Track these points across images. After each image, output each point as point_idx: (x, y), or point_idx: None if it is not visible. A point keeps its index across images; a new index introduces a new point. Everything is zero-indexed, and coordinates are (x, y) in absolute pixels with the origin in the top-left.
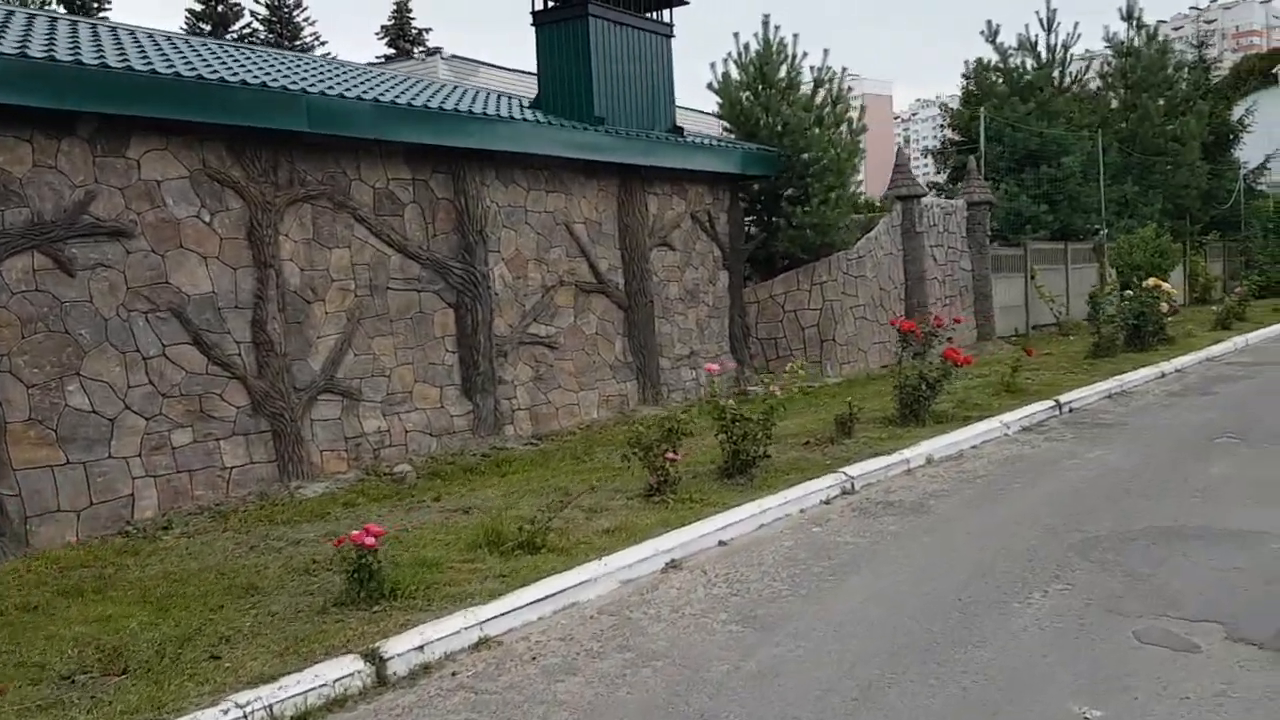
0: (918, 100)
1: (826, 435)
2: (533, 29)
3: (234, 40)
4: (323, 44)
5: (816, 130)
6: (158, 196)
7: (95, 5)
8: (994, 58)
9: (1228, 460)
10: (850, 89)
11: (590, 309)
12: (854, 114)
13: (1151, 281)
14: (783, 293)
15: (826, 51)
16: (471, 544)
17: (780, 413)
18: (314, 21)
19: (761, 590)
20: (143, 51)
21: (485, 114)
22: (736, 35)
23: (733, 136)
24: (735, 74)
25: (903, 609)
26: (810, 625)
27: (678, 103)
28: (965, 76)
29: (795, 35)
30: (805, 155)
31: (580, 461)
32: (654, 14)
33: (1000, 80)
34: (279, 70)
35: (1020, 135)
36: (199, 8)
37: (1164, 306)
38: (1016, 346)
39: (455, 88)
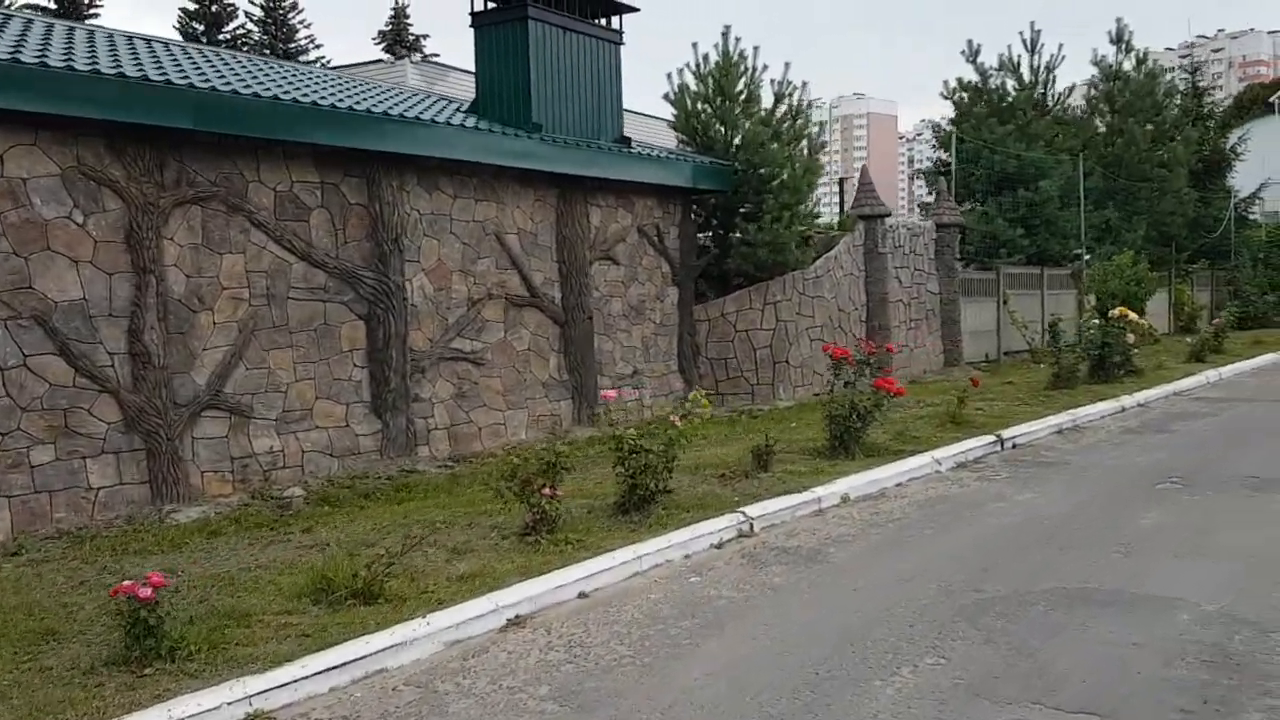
0: (922, 120)
1: (744, 468)
2: (471, 31)
3: (225, 43)
4: (318, 47)
5: (775, 145)
6: (22, 195)
7: (86, 3)
8: (975, 78)
9: (1165, 507)
10: (811, 103)
11: (522, 324)
12: (814, 129)
13: (1118, 311)
14: (734, 311)
15: (788, 65)
16: (299, 591)
17: (683, 444)
18: (309, 24)
19: (602, 657)
20: (69, 50)
21: (403, 116)
22: (695, 45)
23: (689, 150)
24: (693, 84)
25: (749, 686)
26: (635, 706)
27: (648, 114)
28: (944, 96)
29: (756, 47)
30: (762, 170)
31: (486, 488)
32: (602, 20)
33: (979, 101)
34: (214, 71)
35: (998, 158)
36: (193, 7)
37: (1130, 337)
38: (985, 373)
39: (391, 90)
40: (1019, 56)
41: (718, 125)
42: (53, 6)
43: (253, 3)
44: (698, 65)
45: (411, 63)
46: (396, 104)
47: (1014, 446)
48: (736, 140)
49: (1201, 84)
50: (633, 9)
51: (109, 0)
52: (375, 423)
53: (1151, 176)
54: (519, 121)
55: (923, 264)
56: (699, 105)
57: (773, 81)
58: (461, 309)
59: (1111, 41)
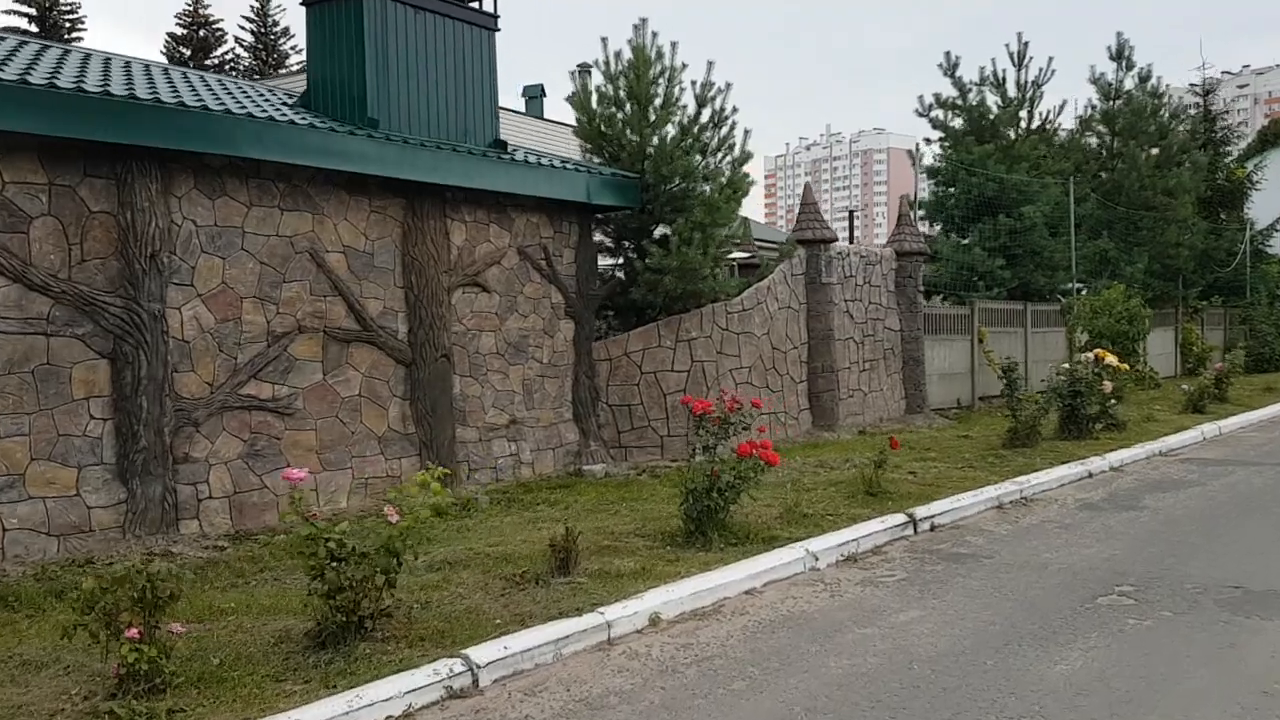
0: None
1: (549, 566)
2: (303, 8)
3: (213, 68)
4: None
5: (697, 157)
6: None
7: (69, 25)
8: (953, 92)
9: (1095, 643)
10: (736, 108)
11: (350, 363)
12: (738, 139)
13: (1095, 353)
14: (640, 350)
15: (711, 64)
16: None
17: (413, 546)
18: (300, 50)
19: None
20: None
21: (158, 102)
22: (605, 40)
23: (598, 162)
24: (603, 85)
25: None
26: None
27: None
28: (919, 114)
29: (674, 43)
30: (674, 185)
31: (239, 582)
32: (470, 1)
33: (955, 117)
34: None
35: (975, 180)
36: (180, 32)
37: (1107, 385)
38: (953, 421)
39: (171, 70)
40: (1003, 70)
41: (628, 133)
42: (33, 29)
43: (242, 28)
44: (608, 63)
45: None
46: (200, 94)
47: (931, 529)
48: (649, 150)
49: (1214, 108)
50: None
51: (92, 23)
52: (119, 491)
53: (1155, 204)
54: (353, 117)
55: (880, 296)
56: (609, 109)
57: (694, 83)
58: (258, 345)
59: (1111, 58)
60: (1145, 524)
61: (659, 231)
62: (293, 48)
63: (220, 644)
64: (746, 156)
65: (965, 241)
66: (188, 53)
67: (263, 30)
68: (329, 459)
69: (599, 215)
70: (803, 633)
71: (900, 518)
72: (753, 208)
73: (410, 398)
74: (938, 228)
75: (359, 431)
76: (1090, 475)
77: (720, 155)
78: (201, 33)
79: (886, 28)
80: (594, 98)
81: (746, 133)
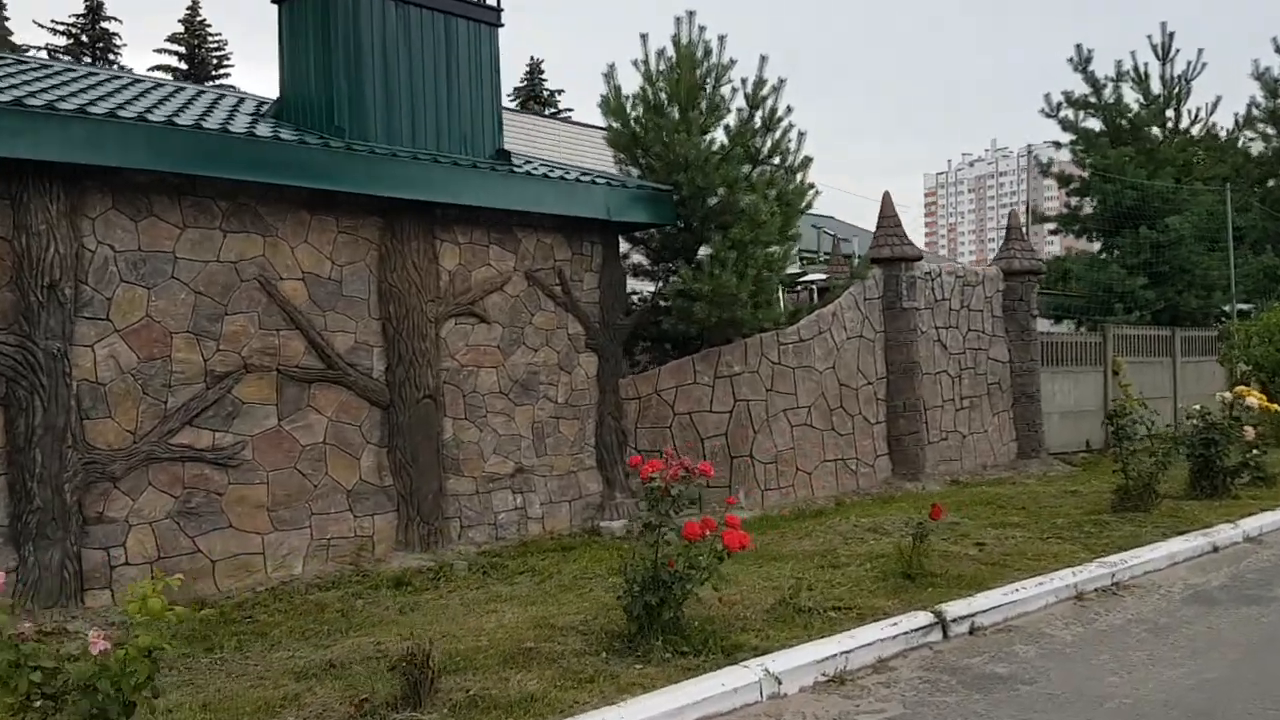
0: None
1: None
2: (274, 7)
3: None
4: None
5: (745, 167)
6: None
7: (214, 63)
8: (1086, 89)
9: None
10: (791, 108)
11: (313, 406)
12: (792, 143)
13: (1238, 391)
14: (672, 387)
15: (764, 59)
16: None
17: (145, 684)
18: None
19: None
20: None
21: (51, 108)
22: (645, 37)
23: (636, 173)
24: (642, 87)
25: None
26: None
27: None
28: (1045, 114)
29: (722, 38)
30: (712, 198)
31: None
32: None
33: (1089, 116)
34: None
35: (1111, 187)
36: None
37: (1249, 430)
38: (1079, 468)
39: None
40: (1145, 64)
41: (668, 139)
42: (183, 67)
43: None
44: (646, 62)
45: None
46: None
47: (971, 631)
48: (690, 158)
49: None
50: None
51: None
52: (8, 557)
53: None
54: (322, 125)
55: (982, 323)
56: (648, 114)
57: (744, 82)
58: (194, 387)
59: (1277, 50)
60: (1270, 628)
61: (705, 251)
62: None
63: None
64: (804, 164)
65: (1102, 257)
66: None
67: None
68: (283, 517)
69: (636, 234)
70: None
71: (924, 617)
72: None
73: (388, 445)
74: (1071, 242)
75: (323, 484)
76: (1215, 549)
77: (775, 162)
78: None
79: (1050, 29)
80: (630, 102)
81: (802, 135)
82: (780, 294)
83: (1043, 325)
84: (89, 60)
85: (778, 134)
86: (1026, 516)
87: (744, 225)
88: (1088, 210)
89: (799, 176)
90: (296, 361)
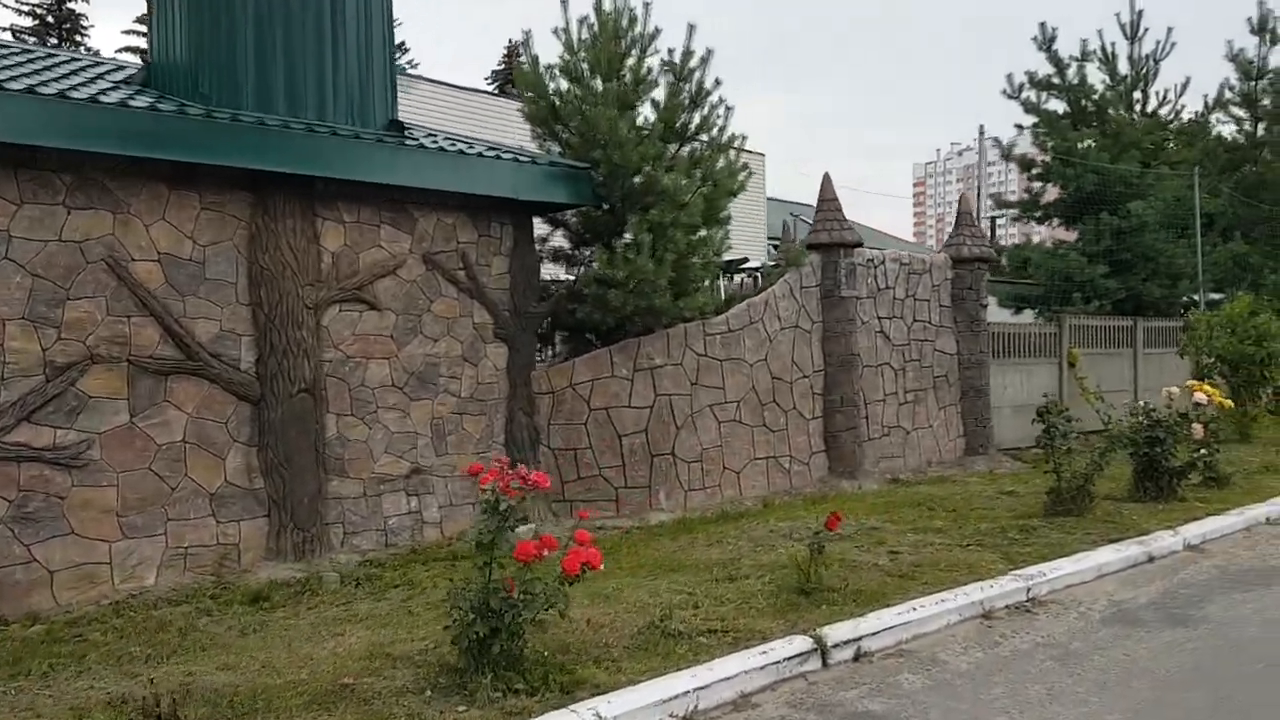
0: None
1: None
2: None
3: None
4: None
5: (675, 146)
6: None
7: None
8: (1049, 69)
9: None
10: (719, 81)
11: (171, 401)
12: (720, 118)
13: (1189, 385)
14: (587, 381)
15: (692, 27)
16: None
17: None
18: (417, 65)
19: None
20: None
21: None
22: (564, 1)
23: (558, 150)
24: (564, 58)
25: None
26: None
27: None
28: (1007, 95)
29: (647, 4)
30: (631, 175)
31: None
32: None
33: (1051, 98)
34: None
35: (1071, 171)
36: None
37: (1197, 428)
38: (1028, 465)
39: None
40: (1113, 44)
41: (588, 113)
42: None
43: None
44: (567, 29)
45: None
46: None
47: (856, 657)
48: (619, 134)
49: None
50: None
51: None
52: None
53: None
54: (185, 92)
55: (929, 313)
56: (564, 85)
57: (671, 52)
58: (32, 380)
59: (1252, 31)
60: (1193, 656)
61: (619, 237)
62: (409, 62)
63: None
64: (728, 143)
65: (1060, 246)
66: None
67: None
68: (134, 523)
69: (558, 216)
70: None
71: (801, 643)
72: (897, 220)
73: (258, 444)
74: (1036, 229)
75: (182, 487)
76: (1150, 559)
77: (704, 139)
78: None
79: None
80: (549, 73)
81: (729, 110)
82: (720, 281)
83: (1003, 315)
84: (55, 42)
85: (705, 110)
86: (952, 520)
87: (665, 206)
88: (1051, 196)
89: (730, 155)
90: (151, 351)
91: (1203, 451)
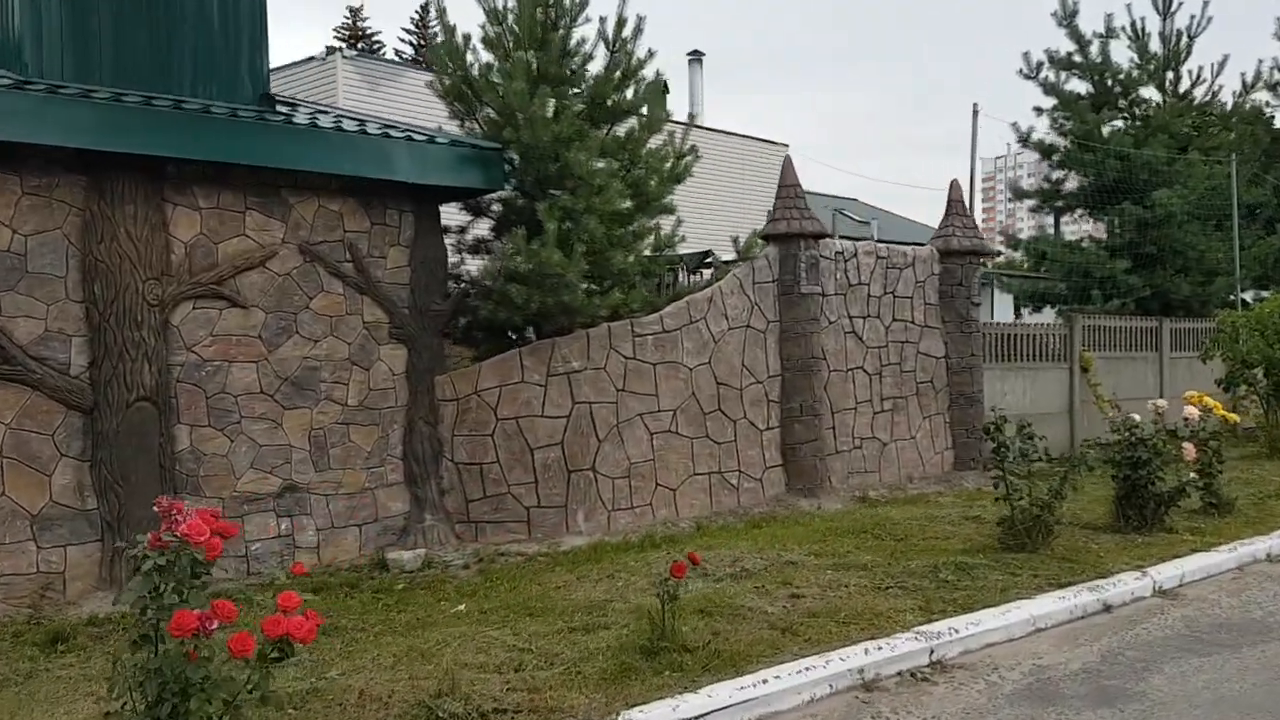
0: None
1: None
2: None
3: None
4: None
5: (604, 128)
6: None
7: None
8: (1071, 46)
9: None
10: (653, 52)
11: None
12: (658, 87)
13: (1186, 396)
14: (495, 387)
15: None
16: None
17: None
18: (390, 52)
19: None
20: None
21: None
22: None
23: (478, 130)
24: (485, 27)
25: None
26: None
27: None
28: (1025, 75)
29: None
30: (555, 164)
31: None
32: None
33: (1073, 77)
34: None
35: (1090, 157)
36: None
37: (1189, 449)
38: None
39: None
40: (1142, 19)
41: (496, 89)
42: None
43: (402, 40)
44: None
45: (344, 57)
46: None
47: None
48: (541, 114)
49: None
50: None
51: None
52: None
53: None
54: (14, 62)
55: (910, 311)
56: (485, 58)
57: (602, 20)
58: None
59: None
60: None
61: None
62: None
63: None
64: (656, 121)
65: (1080, 238)
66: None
67: (423, 42)
68: None
69: (478, 203)
70: None
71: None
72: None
73: (91, 459)
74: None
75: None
76: (1107, 609)
77: (630, 117)
78: (359, 45)
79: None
80: (463, 47)
81: (665, 86)
82: (677, 276)
83: (1022, 314)
84: None
85: (639, 87)
86: (888, 554)
87: (584, 196)
88: (1073, 185)
89: (673, 137)
90: None
91: (1192, 476)
